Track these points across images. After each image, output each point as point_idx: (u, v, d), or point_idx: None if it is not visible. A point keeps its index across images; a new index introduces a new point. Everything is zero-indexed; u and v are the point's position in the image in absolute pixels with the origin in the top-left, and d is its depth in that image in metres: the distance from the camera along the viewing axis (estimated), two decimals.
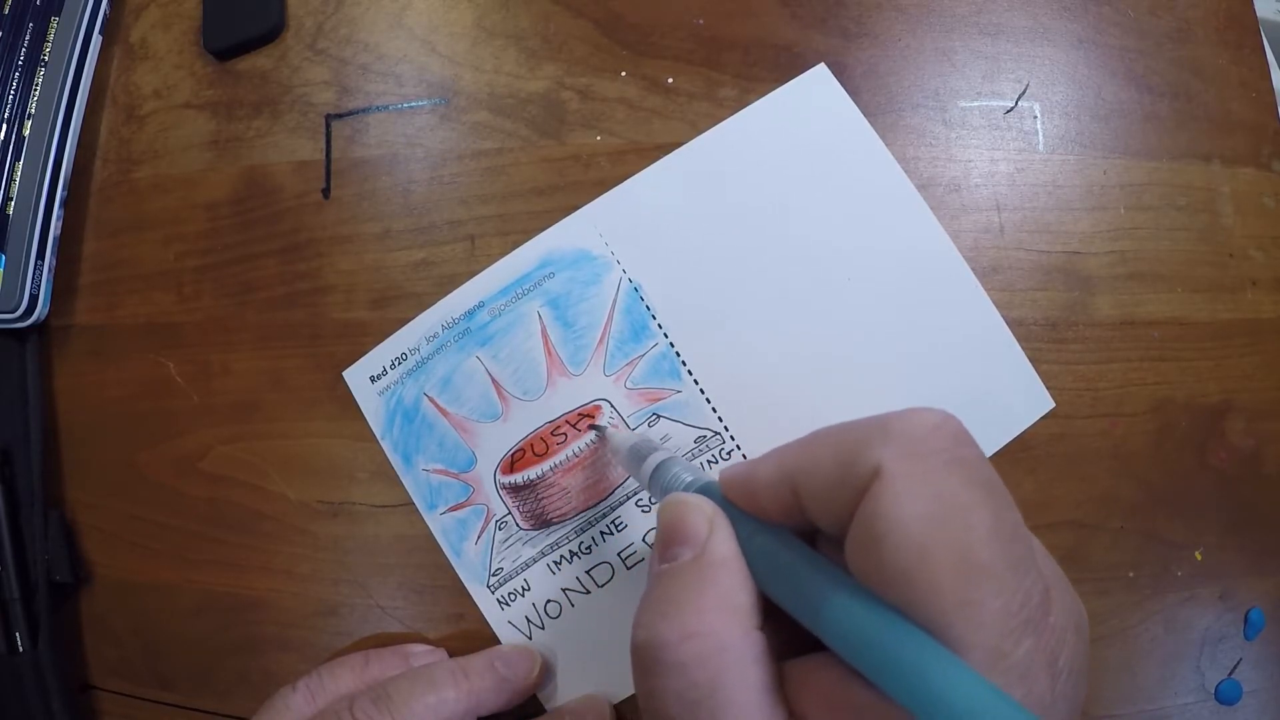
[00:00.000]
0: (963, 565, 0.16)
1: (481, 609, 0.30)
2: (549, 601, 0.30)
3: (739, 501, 0.21)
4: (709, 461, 0.30)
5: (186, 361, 0.33)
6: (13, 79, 0.33)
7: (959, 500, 0.17)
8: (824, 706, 0.18)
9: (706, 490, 0.23)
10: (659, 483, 0.25)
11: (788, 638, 0.19)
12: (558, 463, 0.30)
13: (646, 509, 0.30)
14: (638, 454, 0.26)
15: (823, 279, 0.30)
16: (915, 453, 0.18)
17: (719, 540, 0.21)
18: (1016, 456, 0.30)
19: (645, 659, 0.20)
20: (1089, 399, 0.31)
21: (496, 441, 0.30)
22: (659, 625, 0.19)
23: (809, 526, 0.20)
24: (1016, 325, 0.30)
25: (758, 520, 0.21)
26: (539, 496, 0.30)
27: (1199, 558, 0.31)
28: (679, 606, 0.20)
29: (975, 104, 0.32)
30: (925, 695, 0.15)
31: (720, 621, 0.19)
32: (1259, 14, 0.34)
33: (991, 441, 0.30)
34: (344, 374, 0.31)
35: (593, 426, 0.29)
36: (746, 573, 0.20)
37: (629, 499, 0.30)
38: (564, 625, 0.30)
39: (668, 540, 0.21)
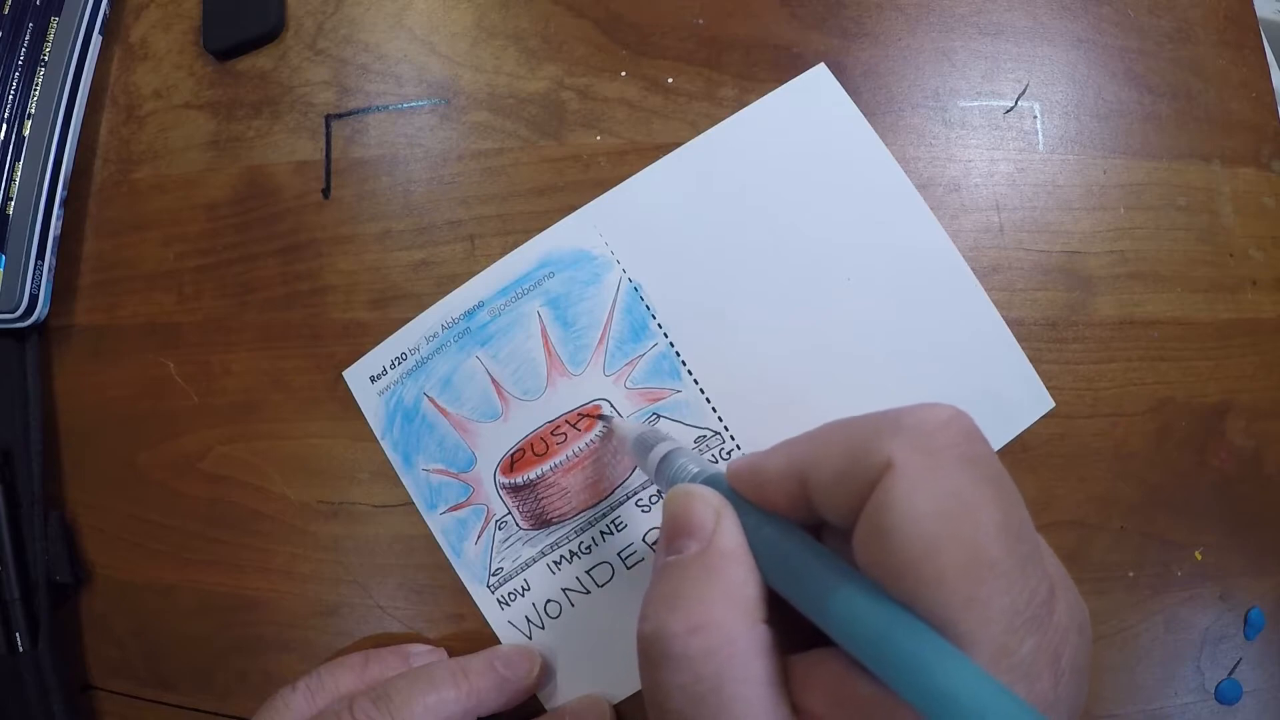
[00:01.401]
0: (971, 561, 0.16)
1: (481, 609, 0.30)
2: (549, 601, 0.30)
3: (746, 493, 0.21)
4: (709, 461, 0.30)
5: (186, 361, 0.33)
6: (13, 79, 0.33)
7: (969, 497, 0.17)
8: (829, 701, 0.18)
9: (713, 481, 0.22)
10: (665, 473, 0.24)
11: (794, 631, 0.19)
12: (558, 463, 0.30)
13: (646, 509, 0.30)
14: (644, 444, 0.26)
15: (823, 279, 0.30)
16: (927, 447, 0.18)
17: (726, 532, 0.20)
18: (1016, 456, 0.30)
19: (651, 651, 0.19)
20: (1089, 399, 0.31)
21: (496, 441, 0.30)
22: (665, 617, 0.19)
23: (815, 520, 0.20)
24: (1016, 325, 0.30)
25: (764, 512, 0.21)
26: (539, 496, 0.30)
27: (1199, 558, 0.31)
28: (685, 599, 0.19)
29: (975, 104, 0.32)
30: (931, 691, 0.15)
31: (726, 614, 0.19)
32: (1259, 14, 0.34)
33: (992, 441, 0.30)
34: (344, 374, 0.31)
35: (599, 417, 0.29)
36: (753, 565, 0.20)
37: (629, 499, 0.30)
38: (564, 625, 0.30)
39: (674, 532, 0.21)
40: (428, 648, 0.30)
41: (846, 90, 0.31)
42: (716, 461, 0.30)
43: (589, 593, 0.30)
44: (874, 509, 0.18)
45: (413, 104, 0.32)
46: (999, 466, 0.18)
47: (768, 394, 0.30)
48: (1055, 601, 0.18)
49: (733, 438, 0.30)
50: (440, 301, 0.31)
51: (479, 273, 0.31)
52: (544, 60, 0.32)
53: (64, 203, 0.34)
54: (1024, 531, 0.18)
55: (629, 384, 0.30)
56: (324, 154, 0.33)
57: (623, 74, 0.32)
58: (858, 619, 0.17)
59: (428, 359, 0.31)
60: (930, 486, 0.17)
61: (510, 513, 0.30)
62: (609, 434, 0.30)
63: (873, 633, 0.16)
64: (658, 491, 0.30)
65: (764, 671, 0.19)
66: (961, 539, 0.17)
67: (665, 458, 0.25)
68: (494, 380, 0.30)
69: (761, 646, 0.19)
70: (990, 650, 0.16)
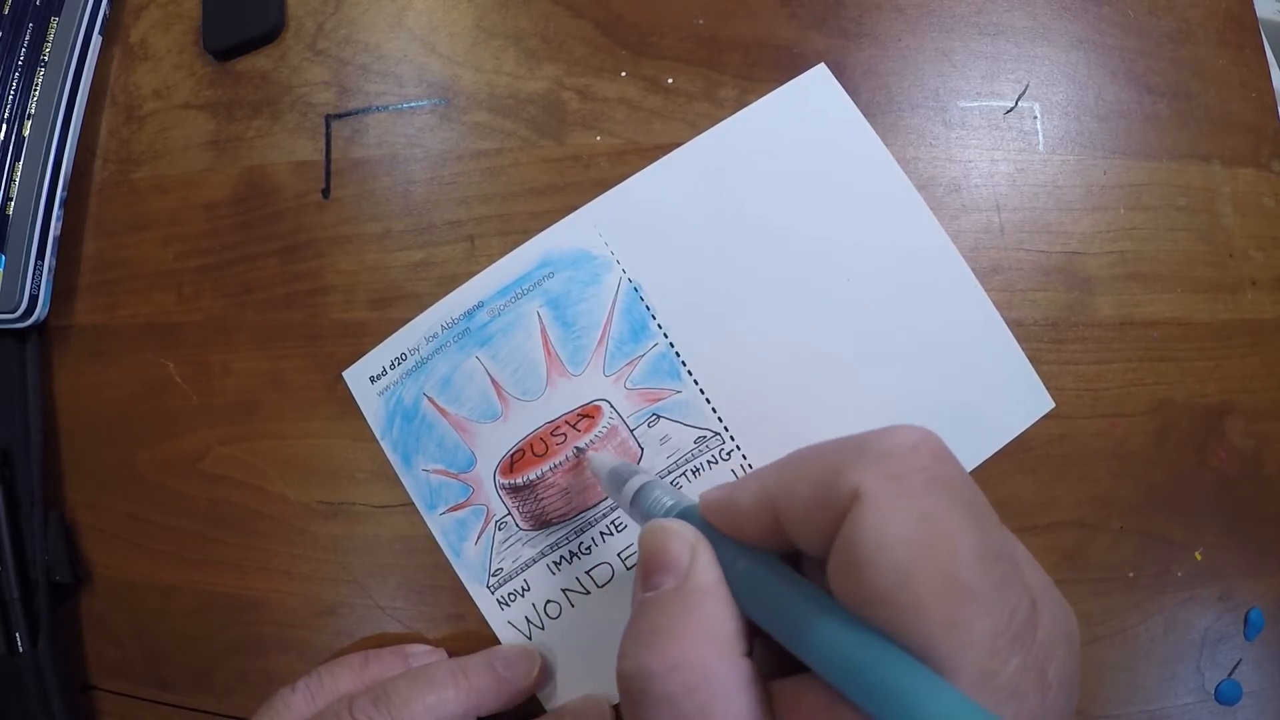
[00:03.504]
0: (947, 588, 0.16)
1: (481, 609, 0.30)
2: (549, 602, 0.30)
3: (720, 525, 0.21)
4: (709, 462, 0.30)
5: (186, 361, 0.33)
6: (13, 79, 0.33)
7: (941, 522, 0.17)
8: None
9: (687, 514, 0.22)
10: (640, 506, 0.25)
11: (778, 656, 0.19)
12: (557, 463, 0.30)
13: None
14: (618, 477, 0.26)
15: (822, 279, 0.30)
16: (895, 473, 0.18)
17: (701, 568, 0.20)
18: (1016, 456, 0.30)
19: (632, 690, 0.19)
20: (1089, 399, 0.31)
21: (496, 442, 0.30)
22: (644, 656, 0.19)
23: (792, 549, 0.20)
24: (1016, 325, 0.30)
25: (740, 544, 0.21)
26: (539, 497, 0.30)
27: (1199, 558, 0.31)
28: (664, 636, 0.19)
29: (975, 104, 0.32)
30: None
31: (706, 651, 0.19)
32: (1259, 14, 0.34)
33: (991, 442, 0.30)
34: (344, 374, 0.31)
35: (575, 449, 0.29)
36: (730, 600, 0.20)
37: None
38: (564, 625, 0.30)
39: (650, 568, 0.21)
40: (427, 648, 0.30)
41: (846, 90, 0.31)
42: (716, 463, 0.30)
43: (589, 593, 0.30)
44: (845, 540, 0.17)
45: (412, 104, 0.32)
46: (972, 487, 0.18)
47: (768, 394, 0.30)
48: (1039, 616, 0.17)
49: (732, 438, 0.30)
50: (440, 302, 0.31)
51: (479, 273, 0.31)
52: (544, 60, 0.32)
53: (64, 203, 0.34)
54: (1001, 551, 0.17)
55: (629, 384, 0.30)
56: (324, 154, 0.33)
57: (623, 74, 0.32)
58: (837, 651, 0.17)
59: (427, 359, 0.31)
60: (900, 514, 0.17)
61: (510, 513, 0.30)
62: (610, 433, 0.30)
63: (853, 664, 0.16)
64: None
65: (746, 706, 0.19)
66: (936, 566, 0.16)
67: (640, 490, 0.25)
68: (493, 380, 0.30)
69: (742, 681, 0.19)
70: (973, 675, 0.16)
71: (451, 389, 0.30)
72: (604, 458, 0.28)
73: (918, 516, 0.17)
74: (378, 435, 0.31)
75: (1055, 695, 0.17)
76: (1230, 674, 0.31)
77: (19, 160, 0.33)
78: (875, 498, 0.17)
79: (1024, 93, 0.32)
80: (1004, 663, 0.16)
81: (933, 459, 0.18)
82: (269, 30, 0.33)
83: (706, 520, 0.22)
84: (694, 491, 0.29)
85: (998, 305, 0.30)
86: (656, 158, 0.31)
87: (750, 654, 0.20)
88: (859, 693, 0.16)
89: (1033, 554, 0.20)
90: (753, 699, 0.19)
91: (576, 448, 0.29)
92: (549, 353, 0.30)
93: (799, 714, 0.18)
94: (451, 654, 0.30)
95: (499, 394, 0.30)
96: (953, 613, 0.16)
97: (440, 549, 0.30)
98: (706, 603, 0.20)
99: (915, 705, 0.15)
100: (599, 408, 0.30)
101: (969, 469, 0.30)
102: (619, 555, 0.30)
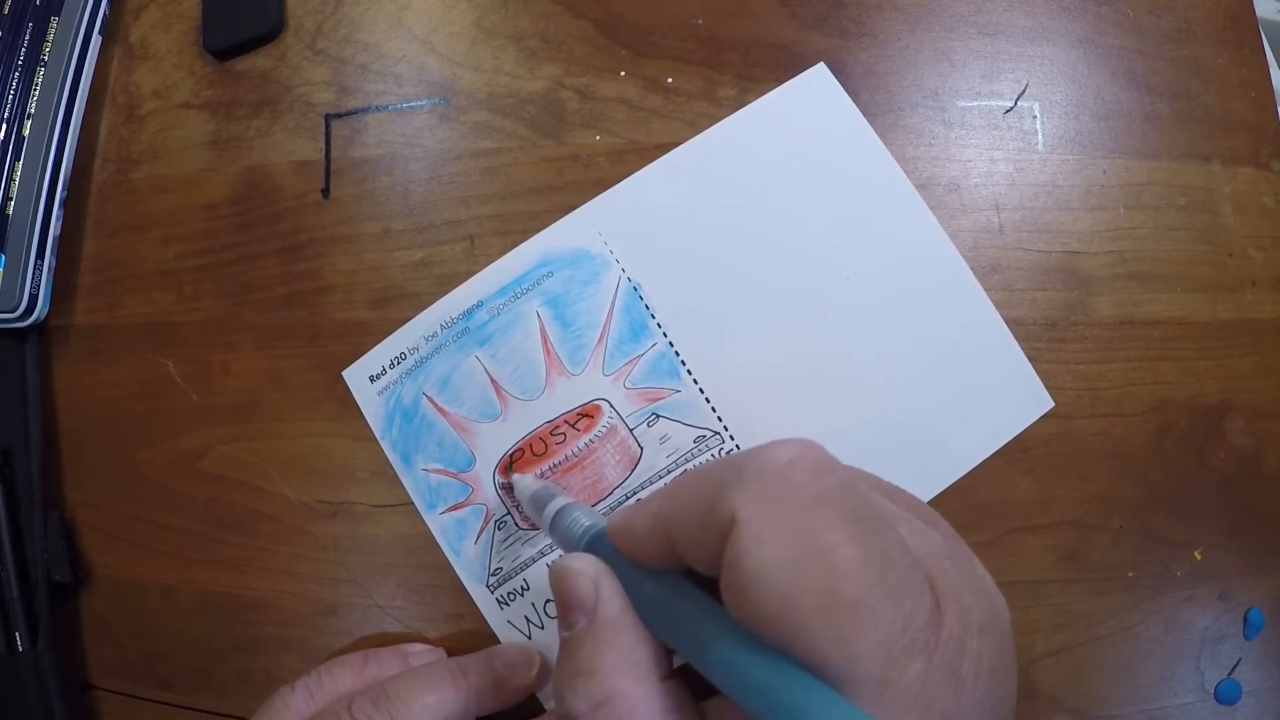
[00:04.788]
0: (831, 605, 0.16)
1: (481, 609, 0.30)
2: (548, 601, 0.30)
3: (625, 549, 0.21)
4: (709, 461, 0.30)
5: (186, 361, 0.33)
6: (13, 79, 0.33)
7: (820, 539, 0.17)
8: None
9: (599, 539, 0.23)
10: (558, 529, 0.25)
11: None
12: (557, 462, 0.30)
13: None
14: (538, 502, 0.27)
15: (822, 279, 0.30)
16: (770, 495, 0.18)
17: (606, 601, 0.21)
18: (1016, 456, 0.30)
19: None
20: (1088, 399, 0.31)
21: (496, 441, 0.30)
22: (569, 698, 0.20)
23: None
24: (1016, 325, 0.30)
25: (645, 568, 0.21)
26: None
27: (1199, 558, 0.31)
28: (583, 676, 0.20)
29: (974, 104, 0.32)
30: None
31: (623, 684, 0.19)
32: (1259, 14, 0.34)
33: (991, 441, 0.30)
34: (343, 374, 0.31)
35: (575, 448, 0.29)
36: (640, 626, 0.20)
37: (629, 498, 0.30)
38: None
39: (562, 608, 0.21)
40: (426, 647, 0.30)
41: (846, 90, 0.31)
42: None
43: None
44: (728, 565, 0.18)
45: (412, 104, 0.32)
46: (854, 496, 0.18)
47: (767, 393, 0.30)
48: (942, 615, 0.17)
49: (732, 437, 0.30)
50: (439, 301, 0.31)
51: (478, 272, 0.31)
52: (543, 60, 0.32)
53: (64, 202, 0.34)
54: (889, 559, 0.17)
55: (628, 384, 0.30)
56: (324, 154, 0.33)
57: (622, 74, 0.32)
58: (736, 670, 0.17)
59: (427, 359, 0.31)
60: (776, 536, 0.17)
61: (509, 512, 0.30)
62: (610, 432, 0.30)
63: (749, 683, 0.17)
64: None
65: None
66: (816, 584, 0.16)
67: (558, 514, 0.25)
68: (493, 380, 0.30)
69: (665, 706, 0.19)
70: (871, 685, 0.16)
71: (451, 388, 0.30)
72: (526, 481, 0.29)
73: (794, 536, 0.17)
74: (377, 435, 0.31)
75: (976, 689, 0.17)
76: (1230, 673, 0.31)
77: (19, 160, 0.33)
78: (751, 522, 0.17)
79: (1023, 92, 0.32)
80: (902, 670, 0.16)
81: (810, 474, 0.18)
82: (269, 30, 0.33)
83: (614, 545, 0.22)
84: None
85: (997, 305, 0.30)
86: (656, 157, 0.31)
87: (670, 677, 0.20)
88: (757, 709, 0.16)
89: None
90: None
91: (576, 447, 0.30)
92: (548, 352, 0.30)
93: None
94: (451, 653, 0.30)
95: (498, 393, 0.30)
96: (839, 628, 0.16)
97: (440, 548, 0.30)
98: (616, 635, 0.20)
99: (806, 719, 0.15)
100: (598, 407, 0.30)
101: (968, 469, 0.30)
102: None
